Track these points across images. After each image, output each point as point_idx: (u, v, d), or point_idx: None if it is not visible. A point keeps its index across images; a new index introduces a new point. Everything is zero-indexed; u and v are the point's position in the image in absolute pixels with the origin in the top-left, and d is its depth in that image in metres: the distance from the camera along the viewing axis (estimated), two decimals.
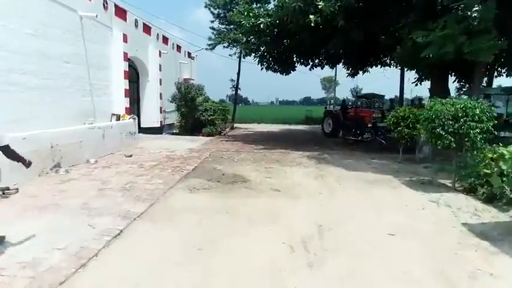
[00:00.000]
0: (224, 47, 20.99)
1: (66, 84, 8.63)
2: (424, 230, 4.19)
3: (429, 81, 13.90)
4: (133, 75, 13.96)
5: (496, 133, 5.96)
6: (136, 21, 12.82)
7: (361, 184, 6.56)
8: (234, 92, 22.95)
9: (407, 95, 21.40)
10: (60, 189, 5.65)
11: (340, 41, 10.99)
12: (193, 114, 15.26)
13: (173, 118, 16.69)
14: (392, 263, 3.37)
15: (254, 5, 13.73)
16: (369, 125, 12.83)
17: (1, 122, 6.08)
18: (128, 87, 11.57)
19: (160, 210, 4.81)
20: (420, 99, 16.24)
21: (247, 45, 13.13)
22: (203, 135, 14.48)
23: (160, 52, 14.91)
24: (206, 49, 21.94)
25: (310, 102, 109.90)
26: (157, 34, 15.20)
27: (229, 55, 22.17)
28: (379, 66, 16.46)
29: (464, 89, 15.46)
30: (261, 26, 11.27)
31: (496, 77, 15.48)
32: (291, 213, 4.81)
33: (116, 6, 11.10)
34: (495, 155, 5.29)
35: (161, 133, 14.90)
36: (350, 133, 13.34)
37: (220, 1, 19.86)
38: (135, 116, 11.26)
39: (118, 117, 10.89)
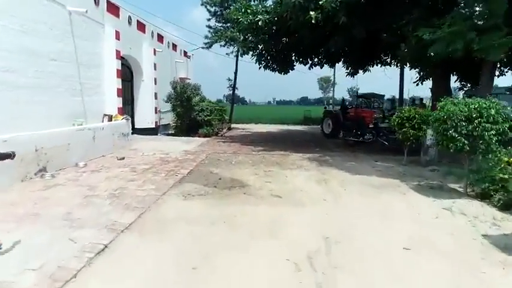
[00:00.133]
0: (221, 45, 20.55)
1: (54, 83, 8.18)
2: (442, 243, 3.80)
3: (429, 81, 13.64)
4: (127, 74, 13.51)
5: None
6: (129, 18, 12.37)
7: (367, 189, 6.17)
8: (231, 92, 22.46)
9: (404, 95, 21.02)
10: (43, 196, 5.22)
11: (341, 39, 10.60)
12: (189, 114, 14.82)
13: (169, 118, 16.24)
14: (412, 284, 2.97)
15: (252, 2, 13.28)
16: (370, 126, 12.48)
17: None
18: (120, 87, 11.12)
19: (151, 220, 4.39)
20: (421, 99, 15.89)
21: (245, 43, 12.71)
22: (199, 136, 14.05)
23: (155, 50, 14.47)
24: (203, 48, 21.49)
25: (307, 102, 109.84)
26: (152, 32, 14.75)
27: (226, 54, 21.72)
28: (379, 65, 16.13)
29: (465, 89, 15.17)
30: (259, 23, 10.86)
31: (498, 76, 15.19)
32: (294, 223, 4.41)
33: (107, 1, 10.65)
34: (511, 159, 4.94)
35: (156, 134, 14.45)
36: (351, 134, 12.96)
37: None
38: (128, 117, 10.81)
39: (110, 118, 10.44)
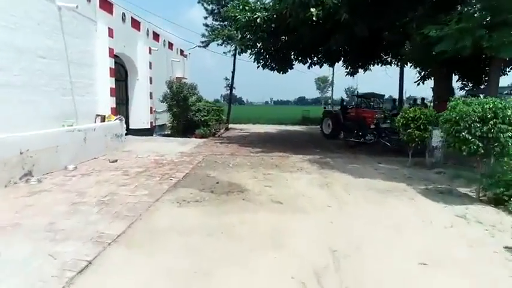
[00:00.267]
0: (218, 44, 20.22)
1: (43, 81, 7.78)
2: (461, 257, 3.46)
3: (429, 81, 13.34)
4: (121, 73, 13.11)
5: None
6: (123, 14, 11.95)
7: (372, 194, 5.83)
8: (228, 92, 22.09)
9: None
10: (26, 204, 4.83)
11: (342, 37, 10.28)
12: (186, 114, 14.43)
13: (165, 119, 15.85)
14: None
15: None
16: (372, 126, 12.16)
17: None
18: (114, 86, 10.72)
19: (142, 231, 4.02)
20: (423, 98, 15.59)
21: (243, 41, 12.36)
22: (196, 137, 13.67)
23: (150, 49, 14.05)
24: (199, 46, 21.11)
25: (305, 102, 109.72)
26: (147, 30, 14.33)
27: (224, 53, 21.33)
28: (379, 64, 15.82)
29: (466, 88, 14.88)
30: (258, 20, 10.54)
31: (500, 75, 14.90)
32: (298, 234, 4.05)
33: None
34: None
35: (152, 135, 14.05)
36: (351, 135, 12.63)
37: None
38: (122, 117, 10.41)
39: (103, 118, 10.05)
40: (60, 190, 5.58)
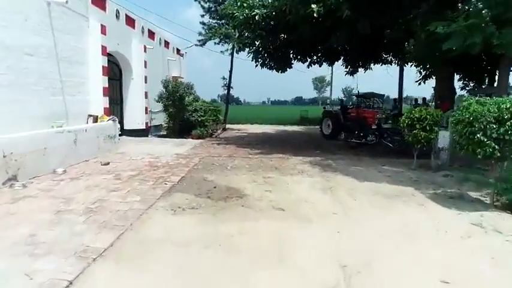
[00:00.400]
0: (215, 43, 19.84)
1: (31, 80, 7.41)
2: (485, 274, 3.13)
3: (430, 80, 13.05)
4: (115, 72, 12.72)
5: None
6: (117, 11, 11.57)
7: (379, 199, 5.50)
8: (225, 91, 21.68)
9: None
10: (8, 212, 4.46)
11: (343, 35, 9.95)
12: (182, 114, 14.06)
13: (160, 119, 15.46)
14: None
15: None
16: (373, 127, 11.86)
17: None
18: (107, 85, 10.35)
19: (132, 243, 3.66)
20: (424, 98, 15.33)
21: (241, 39, 12.00)
22: (193, 138, 13.31)
23: (145, 47, 13.67)
24: (196, 45, 20.71)
25: (302, 102, 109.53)
26: (143, 27, 13.95)
27: (221, 51, 20.94)
28: (380, 64, 15.53)
29: (467, 88, 14.62)
30: (256, 17, 10.18)
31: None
32: (302, 245, 3.71)
33: None
34: None
35: (147, 135, 13.68)
36: (352, 135, 12.31)
37: None
38: (115, 118, 10.02)
39: (95, 119, 9.68)
40: (46, 196, 5.20)
